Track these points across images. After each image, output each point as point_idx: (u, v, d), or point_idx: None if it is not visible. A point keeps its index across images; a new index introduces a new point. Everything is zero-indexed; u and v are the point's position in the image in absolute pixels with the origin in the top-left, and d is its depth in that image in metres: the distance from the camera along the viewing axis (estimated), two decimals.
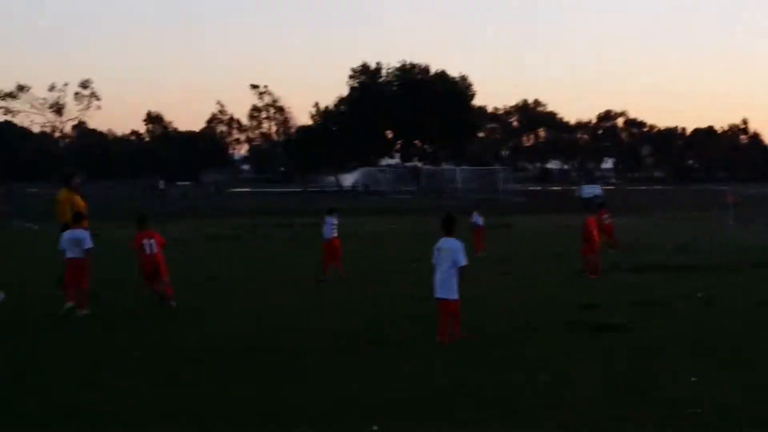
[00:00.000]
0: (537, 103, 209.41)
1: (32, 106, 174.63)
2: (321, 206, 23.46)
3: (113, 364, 11.75)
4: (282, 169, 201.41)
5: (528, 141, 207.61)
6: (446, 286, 13.49)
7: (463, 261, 13.51)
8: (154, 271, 17.01)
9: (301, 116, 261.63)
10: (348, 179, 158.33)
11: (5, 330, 14.72)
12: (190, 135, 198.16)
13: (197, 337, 13.85)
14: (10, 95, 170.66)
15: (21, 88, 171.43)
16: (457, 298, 13.58)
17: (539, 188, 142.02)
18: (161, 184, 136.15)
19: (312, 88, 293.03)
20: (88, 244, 16.46)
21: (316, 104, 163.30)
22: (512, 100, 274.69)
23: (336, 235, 22.74)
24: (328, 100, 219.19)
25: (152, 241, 17.18)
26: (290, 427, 8.77)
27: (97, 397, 10.01)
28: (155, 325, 15.17)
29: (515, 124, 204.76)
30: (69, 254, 16.42)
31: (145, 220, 17.68)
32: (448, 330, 13.48)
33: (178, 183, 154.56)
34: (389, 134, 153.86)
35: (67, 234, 16.58)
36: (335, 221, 22.80)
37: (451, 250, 13.48)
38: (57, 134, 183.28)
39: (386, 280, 22.06)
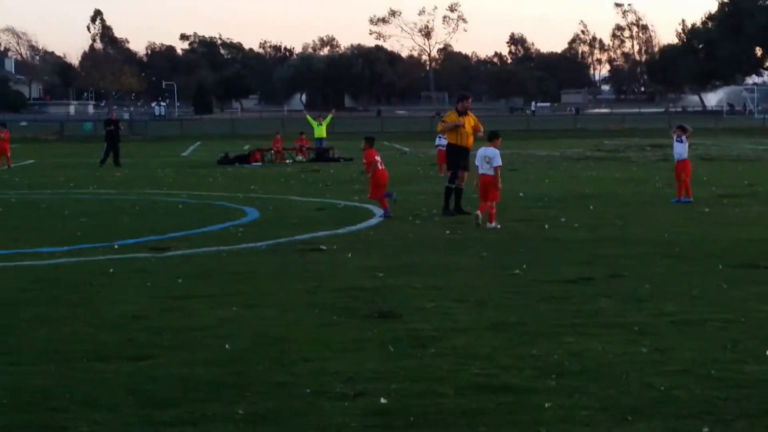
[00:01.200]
0: None
1: (402, 31, 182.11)
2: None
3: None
4: (643, 89, 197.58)
5: None
6: None
7: None
8: (385, 183, 19.35)
9: (665, 35, 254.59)
10: (712, 99, 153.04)
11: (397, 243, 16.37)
12: (551, 56, 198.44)
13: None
14: (383, 20, 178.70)
15: (393, 13, 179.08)
16: None
17: None
18: (533, 106, 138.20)
19: (677, 6, 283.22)
20: (497, 162, 17.59)
21: (682, 21, 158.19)
22: None
23: (686, 155, 22.66)
24: (694, 17, 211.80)
25: (379, 157, 19.56)
26: None
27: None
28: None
29: None
30: (481, 170, 17.69)
31: (373, 141, 20.16)
32: None
33: (539, 104, 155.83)
34: (758, 51, 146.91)
35: (480, 151, 17.90)
36: (687, 141, 22.76)
37: None
38: (424, 58, 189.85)
39: (756, 201, 21.90)
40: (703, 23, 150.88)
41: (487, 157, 17.57)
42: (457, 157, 19.75)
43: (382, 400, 6.91)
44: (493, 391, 7.11)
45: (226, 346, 8.62)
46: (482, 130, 19.94)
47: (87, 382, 7.54)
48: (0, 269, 13.25)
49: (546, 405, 6.77)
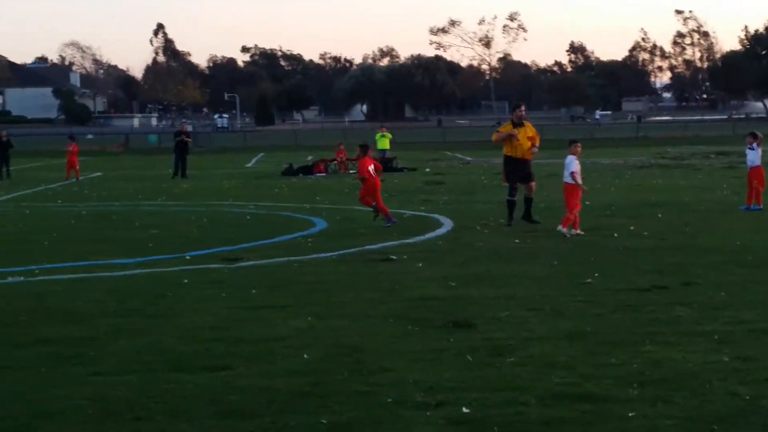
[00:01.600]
0: None
1: (462, 40, 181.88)
2: (746, 134, 23.28)
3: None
4: (705, 96, 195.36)
5: None
6: None
7: None
8: (375, 191, 19.54)
9: (727, 41, 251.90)
10: None
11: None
12: (611, 64, 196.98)
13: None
14: (443, 30, 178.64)
15: (452, 23, 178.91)
16: None
17: None
18: (596, 114, 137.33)
19: (739, 13, 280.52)
20: (570, 168, 17.70)
21: (745, 28, 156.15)
22: None
23: (759, 162, 22.30)
24: (757, 24, 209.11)
25: (372, 166, 19.81)
26: None
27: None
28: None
29: None
30: (563, 179, 17.99)
31: (367, 149, 20.52)
32: None
33: (600, 112, 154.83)
34: None
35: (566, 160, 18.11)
36: (759, 148, 22.42)
37: None
38: (484, 67, 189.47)
39: None
40: (767, 29, 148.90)
41: (565, 166, 17.86)
42: (513, 168, 19.62)
43: (464, 410, 6.92)
44: (576, 400, 7.09)
45: (304, 356, 8.68)
46: (538, 144, 19.75)
47: (169, 392, 7.63)
48: (75, 281, 13.47)
49: (630, 414, 6.73)
